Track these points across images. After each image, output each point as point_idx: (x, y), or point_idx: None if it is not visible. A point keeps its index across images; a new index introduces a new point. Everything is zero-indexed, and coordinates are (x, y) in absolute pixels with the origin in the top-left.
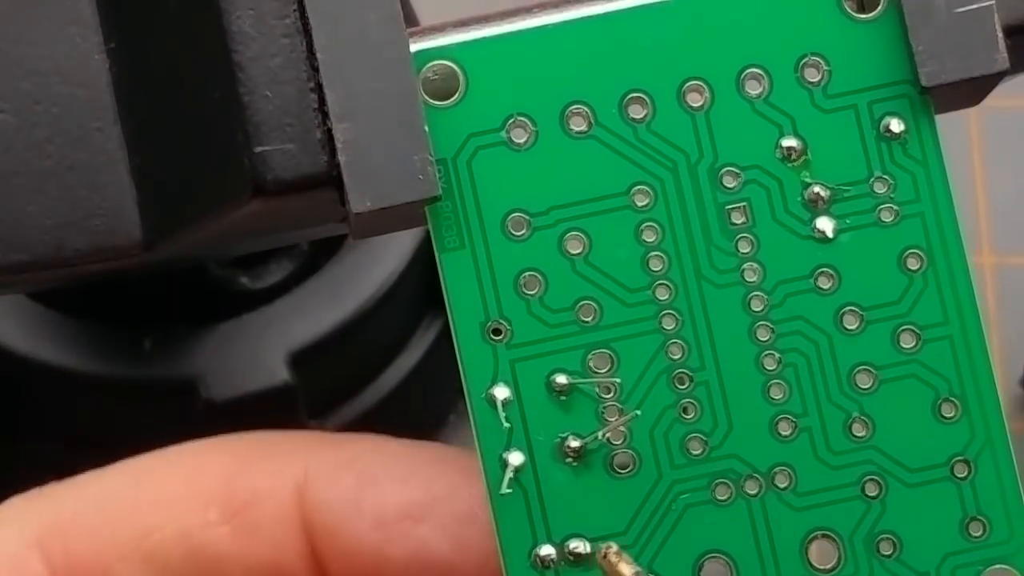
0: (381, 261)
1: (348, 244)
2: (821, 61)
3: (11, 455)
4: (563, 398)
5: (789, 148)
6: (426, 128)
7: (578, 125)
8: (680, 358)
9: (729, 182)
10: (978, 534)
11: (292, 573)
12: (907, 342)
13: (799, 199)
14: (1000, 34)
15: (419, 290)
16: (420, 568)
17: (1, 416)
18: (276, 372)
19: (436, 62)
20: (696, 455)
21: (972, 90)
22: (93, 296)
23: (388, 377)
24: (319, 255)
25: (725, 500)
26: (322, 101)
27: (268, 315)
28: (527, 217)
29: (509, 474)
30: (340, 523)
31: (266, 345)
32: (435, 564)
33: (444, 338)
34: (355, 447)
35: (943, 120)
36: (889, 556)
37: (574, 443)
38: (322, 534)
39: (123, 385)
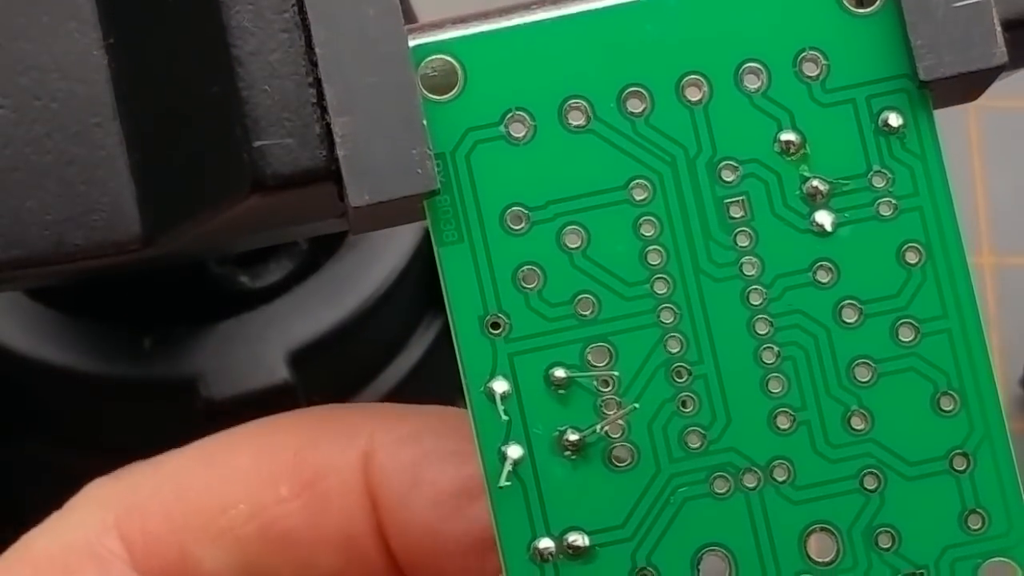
0: (381, 260)
1: (348, 243)
2: (820, 55)
3: (11, 455)
4: (561, 392)
5: (788, 142)
6: (424, 122)
7: (576, 119)
8: (678, 352)
9: (728, 176)
10: (977, 527)
11: (360, 545)
12: (906, 335)
13: (798, 193)
14: (998, 28)
15: (419, 289)
16: (473, 545)
17: (1, 416)
18: (276, 371)
19: (435, 57)
20: (694, 448)
21: (970, 84)
22: (93, 295)
23: (388, 376)
24: (319, 254)
25: (724, 493)
26: (321, 96)
27: (268, 314)
28: (525, 211)
29: (508, 467)
30: (400, 497)
31: (266, 344)
32: (487, 541)
33: (444, 337)
34: (418, 420)
35: (942, 120)
36: (888, 549)
37: (572, 436)
38: (384, 507)
39: (123, 385)
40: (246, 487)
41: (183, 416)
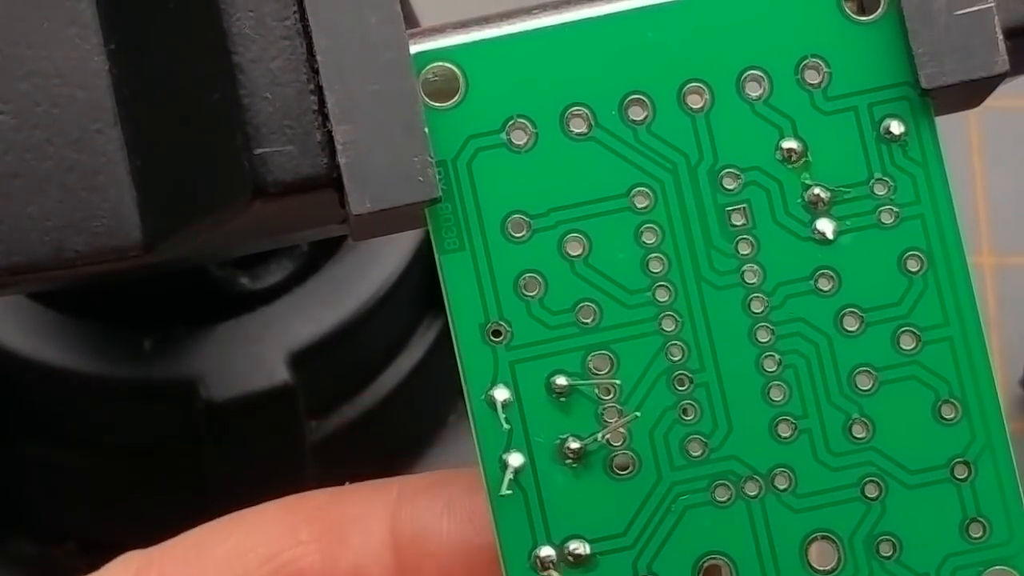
0: (381, 261)
1: (348, 244)
2: (821, 63)
3: (11, 455)
4: (563, 399)
5: (789, 150)
6: (426, 130)
7: (578, 127)
8: (680, 359)
9: (729, 184)
10: (978, 535)
11: None
12: (907, 344)
13: (799, 201)
14: (1000, 36)
15: (419, 290)
16: None
17: (1, 416)
18: (276, 372)
19: (436, 64)
20: (696, 456)
21: (972, 92)
22: (93, 296)
23: (388, 377)
24: (319, 255)
25: (725, 501)
26: (322, 103)
27: (268, 315)
28: (527, 219)
29: (509, 475)
30: (433, 523)
31: (266, 345)
32: None
33: (444, 338)
34: (443, 472)
35: (943, 121)
36: (889, 557)
37: (574, 444)
38: (415, 540)
39: (123, 385)
40: (267, 536)
41: (183, 417)
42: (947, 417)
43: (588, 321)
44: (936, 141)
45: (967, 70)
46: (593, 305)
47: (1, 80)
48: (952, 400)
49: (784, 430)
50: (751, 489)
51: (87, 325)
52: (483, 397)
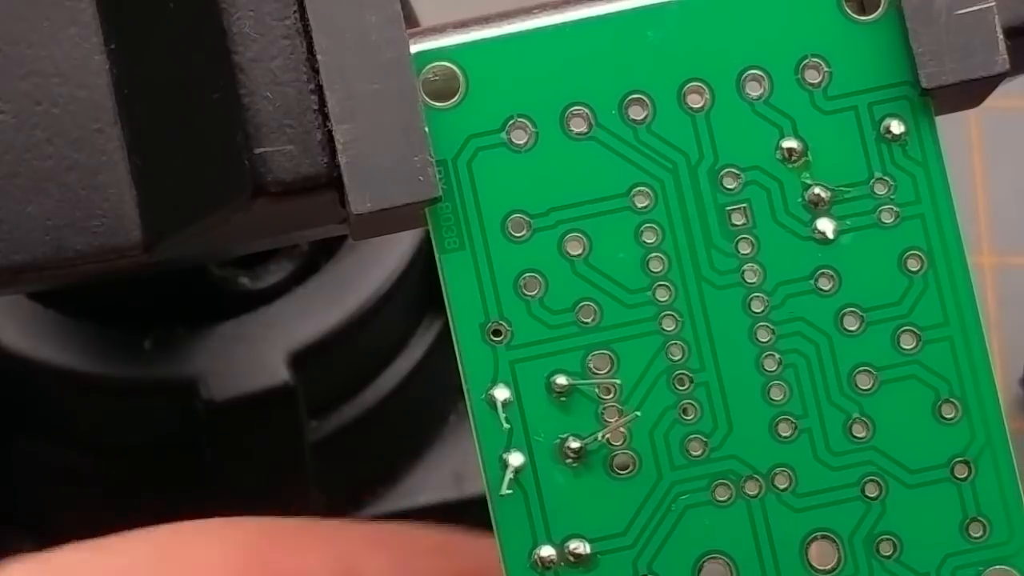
0: (381, 261)
1: (348, 244)
2: (821, 62)
3: (11, 455)
4: (563, 399)
5: (789, 149)
6: (426, 129)
7: (578, 126)
8: (680, 359)
9: (729, 183)
10: (978, 535)
11: None
12: (907, 343)
13: (799, 200)
14: (1000, 35)
15: (419, 290)
16: None
17: (1, 416)
18: (276, 372)
19: (436, 63)
20: (696, 456)
21: (972, 91)
22: (93, 296)
23: (388, 377)
24: (319, 255)
25: (725, 501)
26: (322, 102)
27: (268, 315)
28: (527, 218)
29: (509, 475)
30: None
31: (266, 345)
32: None
33: (444, 338)
34: (400, 530)
35: (943, 121)
36: (889, 557)
37: (574, 444)
38: None
39: (123, 385)
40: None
41: (183, 417)
42: (947, 416)
43: (588, 320)
44: (936, 141)
45: (967, 70)
46: (593, 304)
47: (1, 80)
48: (952, 399)
49: (784, 429)
50: (751, 489)
51: (87, 325)
52: (483, 397)
